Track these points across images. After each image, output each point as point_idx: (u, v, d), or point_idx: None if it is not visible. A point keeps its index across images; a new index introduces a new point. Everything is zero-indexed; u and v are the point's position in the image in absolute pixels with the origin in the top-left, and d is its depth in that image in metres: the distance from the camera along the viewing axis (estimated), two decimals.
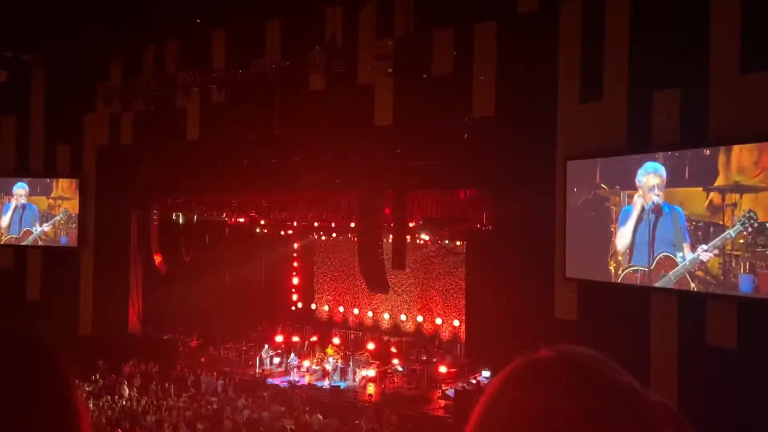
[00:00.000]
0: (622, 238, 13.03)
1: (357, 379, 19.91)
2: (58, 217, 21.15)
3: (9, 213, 21.39)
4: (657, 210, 12.42)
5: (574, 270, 13.70)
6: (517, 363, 0.99)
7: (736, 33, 11.26)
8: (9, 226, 21.38)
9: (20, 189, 21.33)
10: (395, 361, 20.90)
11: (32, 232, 21.30)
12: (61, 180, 21.31)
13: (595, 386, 0.92)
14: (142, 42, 19.66)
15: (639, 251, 12.74)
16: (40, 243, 21.23)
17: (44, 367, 1.11)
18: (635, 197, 12.79)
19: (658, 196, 12.39)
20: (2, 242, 21.42)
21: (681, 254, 12.04)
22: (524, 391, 0.94)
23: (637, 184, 12.69)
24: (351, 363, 20.64)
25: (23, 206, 21.31)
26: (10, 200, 21.35)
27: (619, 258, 13.11)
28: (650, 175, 12.49)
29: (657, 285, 12.45)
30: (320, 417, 16.33)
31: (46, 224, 21.23)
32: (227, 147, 19.29)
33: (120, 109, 20.25)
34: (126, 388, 18.27)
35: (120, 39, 19.37)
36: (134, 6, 17.91)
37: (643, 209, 12.66)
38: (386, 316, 24.75)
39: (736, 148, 11.26)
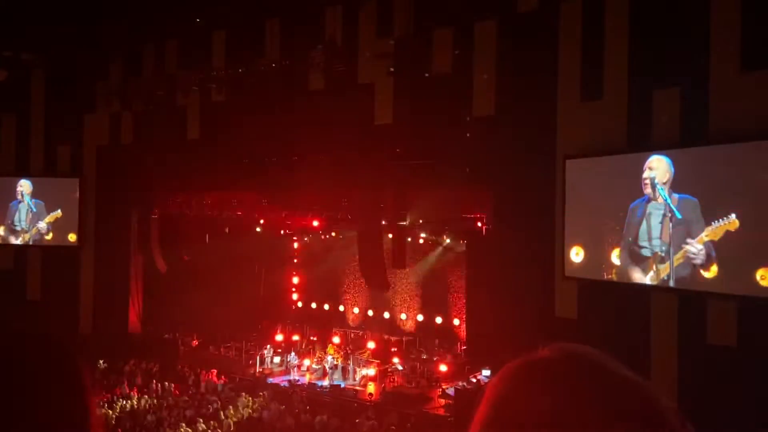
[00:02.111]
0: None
1: (357, 378, 19.91)
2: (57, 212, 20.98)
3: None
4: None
5: (576, 270, 13.69)
6: (518, 363, 0.97)
7: (736, 32, 11.26)
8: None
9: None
10: (395, 359, 20.91)
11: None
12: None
13: (605, 383, 0.92)
14: (142, 42, 19.64)
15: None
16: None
17: (63, 370, 1.11)
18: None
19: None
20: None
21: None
22: (531, 392, 0.92)
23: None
24: (351, 362, 20.66)
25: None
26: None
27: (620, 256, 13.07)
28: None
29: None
30: (323, 418, 16.32)
31: (45, 220, 21.07)
32: (227, 147, 19.29)
33: (120, 109, 20.24)
34: (126, 387, 18.28)
35: (120, 39, 19.34)
36: (134, 6, 17.89)
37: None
38: (386, 314, 24.75)
39: None
